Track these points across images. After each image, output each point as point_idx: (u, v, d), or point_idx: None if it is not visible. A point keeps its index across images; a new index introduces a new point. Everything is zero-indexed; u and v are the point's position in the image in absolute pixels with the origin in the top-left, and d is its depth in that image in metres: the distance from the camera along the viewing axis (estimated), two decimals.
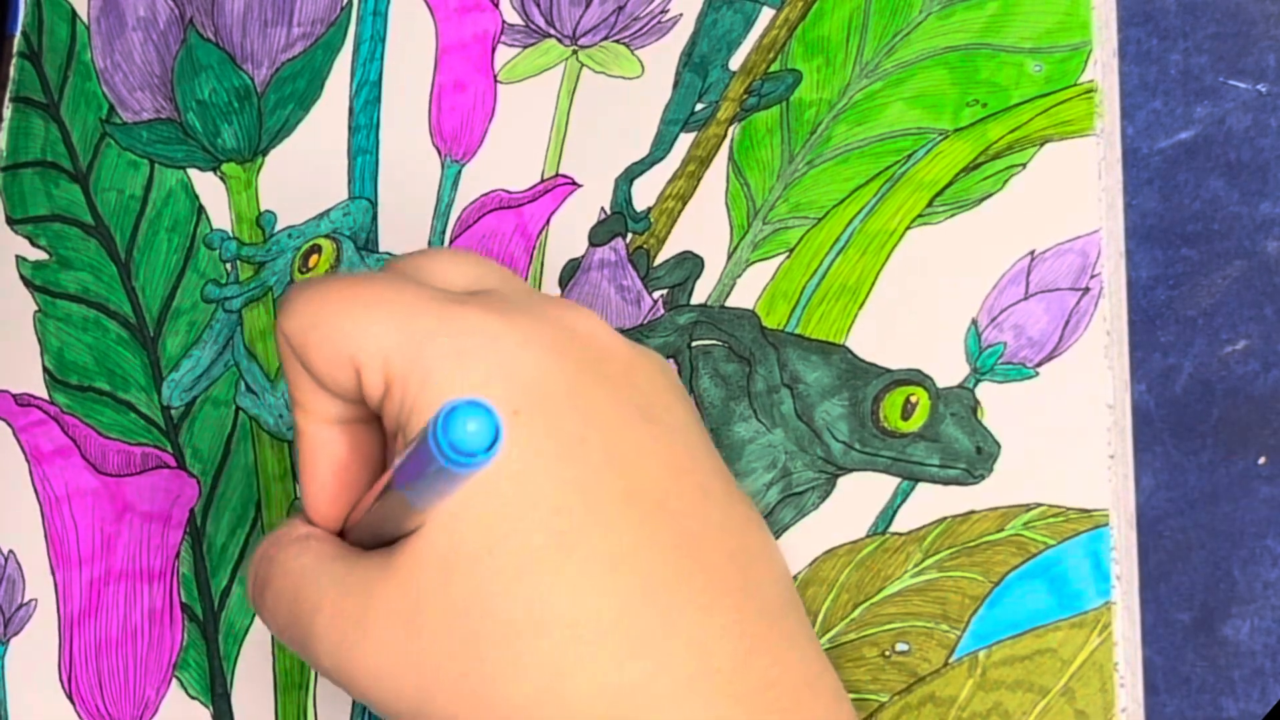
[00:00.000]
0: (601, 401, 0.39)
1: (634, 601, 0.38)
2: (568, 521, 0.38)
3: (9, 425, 0.55)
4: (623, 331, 0.49)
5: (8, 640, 0.53)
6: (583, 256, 0.50)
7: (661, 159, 0.50)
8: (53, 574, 0.53)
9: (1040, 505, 0.44)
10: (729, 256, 0.49)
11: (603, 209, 0.51)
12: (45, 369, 0.55)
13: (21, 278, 0.56)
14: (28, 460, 0.54)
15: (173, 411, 0.54)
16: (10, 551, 0.54)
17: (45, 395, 0.55)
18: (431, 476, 0.33)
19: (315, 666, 0.41)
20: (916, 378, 0.46)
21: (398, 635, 0.39)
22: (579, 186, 0.51)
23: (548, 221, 0.51)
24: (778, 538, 0.46)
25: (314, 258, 0.53)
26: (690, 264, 0.49)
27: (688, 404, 0.43)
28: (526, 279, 0.51)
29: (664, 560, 0.39)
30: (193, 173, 0.55)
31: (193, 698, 0.51)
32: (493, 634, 0.38)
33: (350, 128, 0.54)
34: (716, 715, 0.38)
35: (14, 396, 0.55)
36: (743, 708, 0.38)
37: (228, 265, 0.54)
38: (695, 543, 0.39)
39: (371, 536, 0.40)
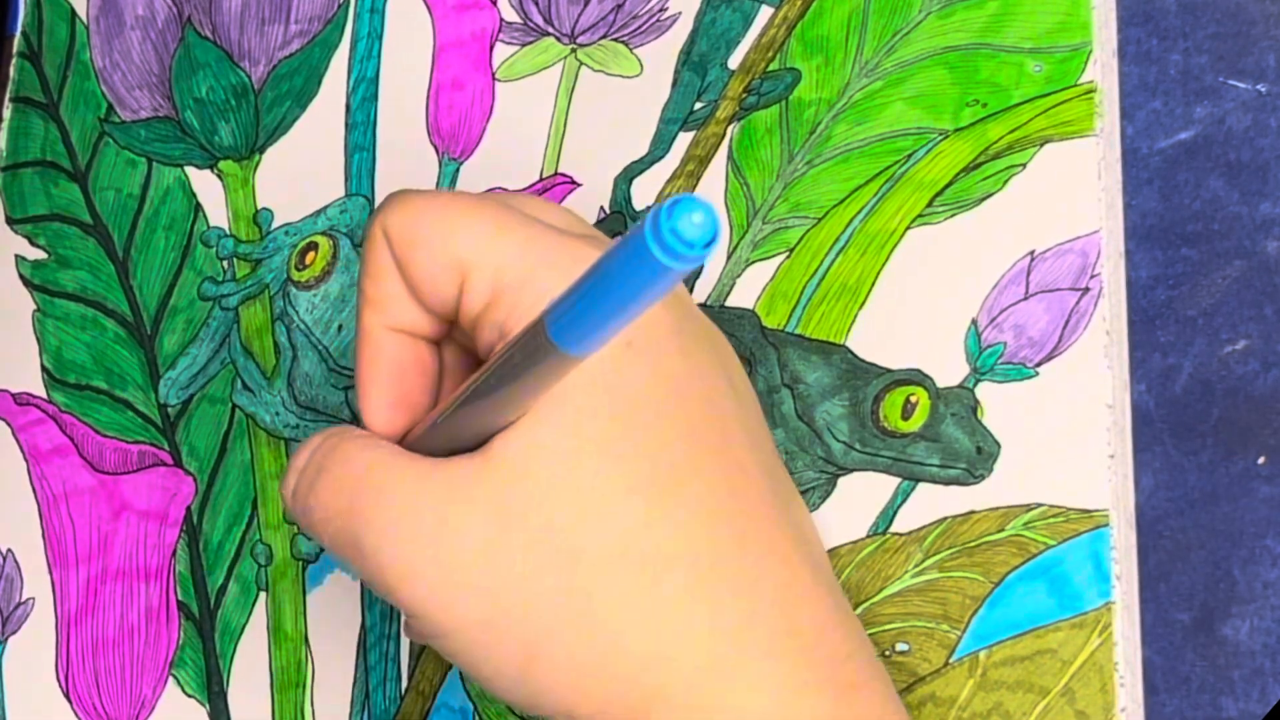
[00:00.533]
0: (699, 354, 0.40)
1: (730, 548, 0.38)
2: (671, 457, 0.38)
3: (8, 424, 0.55)
4: None
5: (5, 639, 0.53)
6: None
7: (661, 158, 0.50)
8: (50, 573, 0.53)
9: (1040, 505, 0.44)
10: (729, 256, 0.49)
11: (602, 208, 0.51)
12: (43, 368, 0.55)
13: (20, 277, 0.56)
14: (26, 459, 0.54)
15: (169, 409, 0.54)
16: (8, 550, 0.54)
17: (44, 394, 0.55)
18: (542, 359, 0.32)
19: (363, 565, 0.39)
20: (917, 378, 0.46)
21: (490, 532, 0.38)
22: (578, 185, 0.51)
23: None
24: None
25: (310, 255, 0.53)
26: None
27: (748, 379, 0.44)
28: None
29: (748, 515, 0.39)
30: (190, 170, 0.55)
31: (189, 696, 0.51)
32: (596, 553, 0.37)
33: (347, 125, 0.54)
34: (801, 680, 0.38)
35: (13, 395, 0.55)
36: (821, 675, 0.39)
37: (224, 263, 0.54)
38: (772, 504, 0.40)
39: (445, 446, 0.39)
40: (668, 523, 0.38)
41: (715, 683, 0.38)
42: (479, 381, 0.37)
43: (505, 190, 0.52)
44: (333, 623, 0.50)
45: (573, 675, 0.38)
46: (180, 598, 0.52)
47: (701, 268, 0.49)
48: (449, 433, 0.39)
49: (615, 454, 0.37)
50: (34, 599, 0.53)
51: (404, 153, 0.53)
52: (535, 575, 0.37)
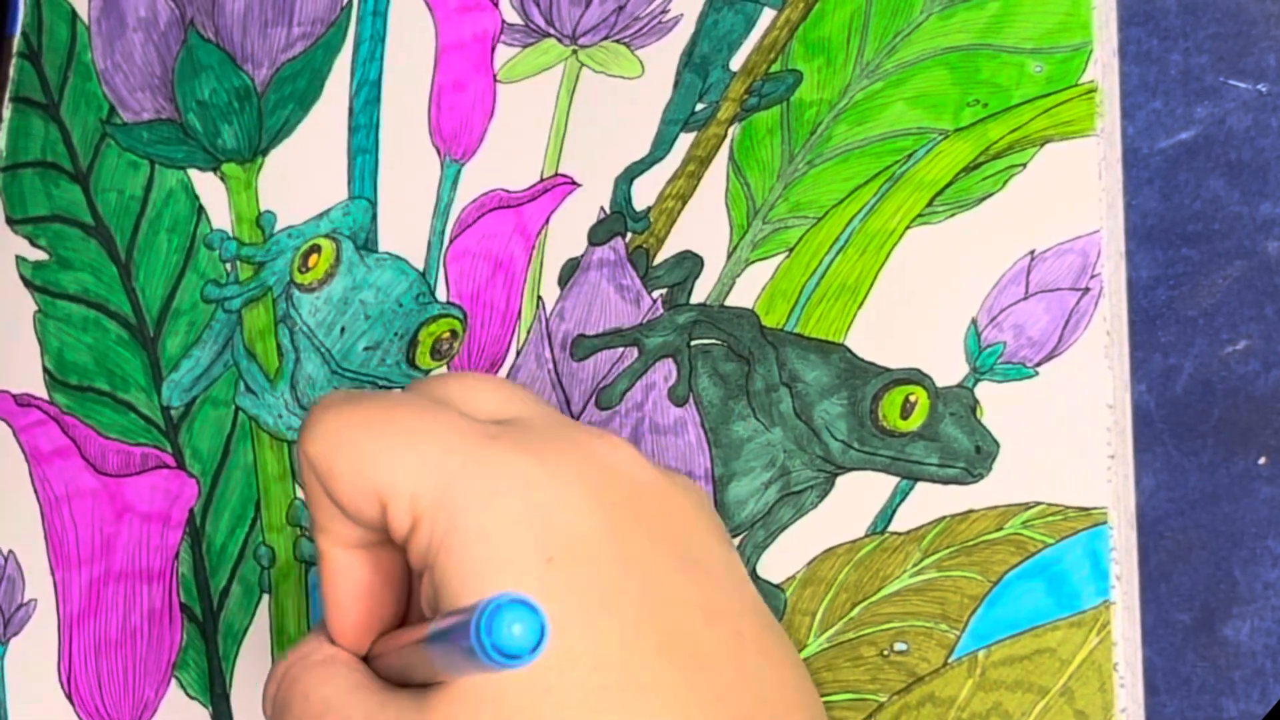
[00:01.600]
0: (638, 546, 0.38)
1: None
2: (604, 678, 0.37)
3: (9, 425, 0.55)
4: (622, 331, 0.49)
5: (7, 640, 0.53)
6: (582, 256, 0.50)
7: (661, 159, 0.50)
8: (52, 574, 0.53)
9: (1040, 504, 0.44)
10: (729, 256, 0.49)
11: (602, 208, 0.51)
12: (45, 369, 0.55)
13: (21, 278, 0.56)
14: (27, 460, 0.54)
15: (172, 412, 0.54)
16: (10, 552, 0.54)
17: (45, 395, 0.55)
18: (469, 663, 0.32)
19: None
20: (916, 377, 0.46)
21: None
22: (578, 186, 0.51)
23: (547, 221, 0.51)
24: (776, 537, 0.46)
25: (313, 257, 0.53)
26: (690, 263, 0.49)
27: (723, 537, 0.42)
28: (526, 278, 0.51)
29: (719, 706, 0.38)
30: (193, 173, 0.55)
31: (192, 698, 0.51)
32: None
33: (350, 127, 0.54)
34: None
35: (14, 397, 0.55)
36: None
37: (227, 265, 0.54)
38: (730, 694, 0.38)
39: (399, 677, 0.39)
40: None
41: None
42: (411, 640, 0.37)
43: (505, 192, 0.52)
44: None
45: None
46: (183, 600, 0.52)
47: (701, 267, 0.49)
48: (399, 667, 0.39)
49: (544, 687, 0.36)
50: (36, 600, 0.53)
51: (406, 155, 0.53)
52: None
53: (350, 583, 0.41)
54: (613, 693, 0.37)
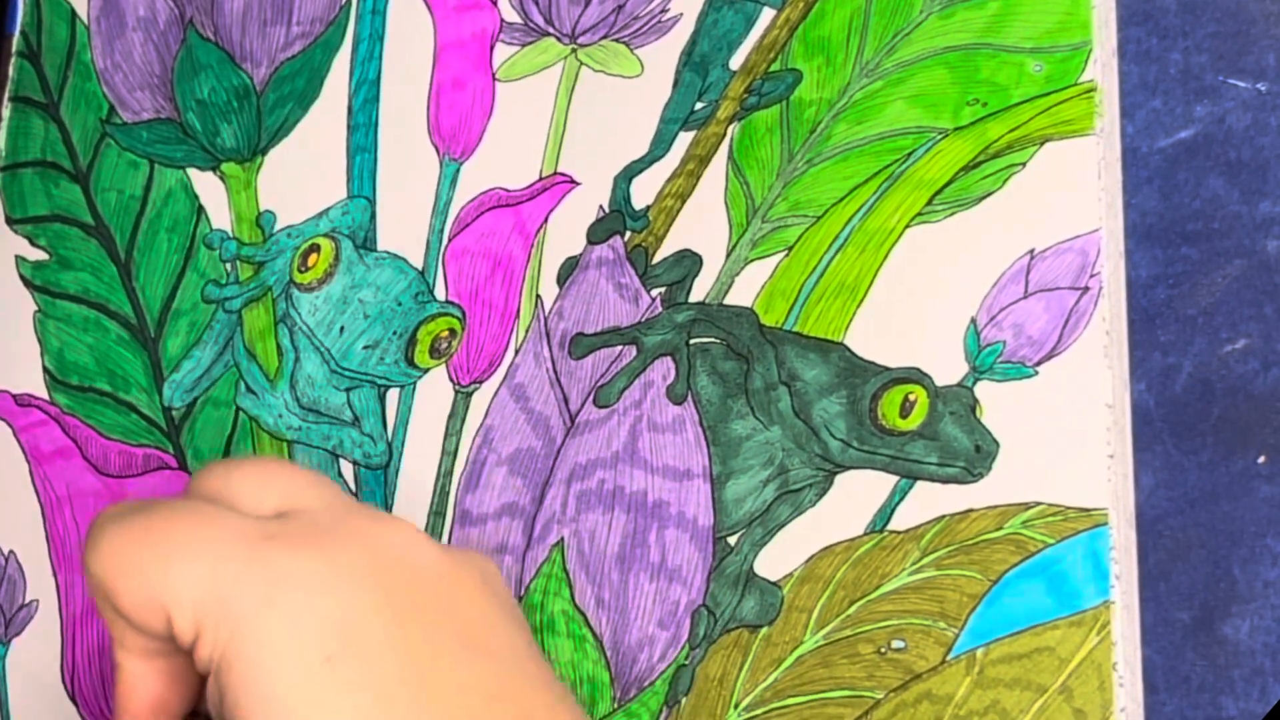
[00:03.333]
0: (418, 634, 0.39)
1: None
2: None
3: (9, 425, 0.55)
4: (621, 330, 0.49)
5: (8, 641, 0.53)
6: (581, 254, 0.50)
7: (661, 157, 0.50)
8: (54, 575, 0.53)
9: (1039, 504, 0.44)
10: (728, 254, 0.49)
11: (601, 207, 0.51)
12: (46, 369, 0.55)
13: (21, 278, 0.56)
14: (28, 461, 0.54)
15: (174, 412, 0.54)
16: (11, 552, 0.54)
17: (46, 396, 0.55)
18: None
19: None
20: (915, 376, 0.46)
21: None
22: (577, 185, 0.51)
23: (546, 219, 0.51)
24: (774, 535, 0.46)
25: (313, 256, 0.53)
26: (689, 262, 0.49)
27: (511, 615, 0.42)
28: (524, 277, 0.51)
29: None
30: (192, 172, 0.55)
31: None
32: None
33: (349, 126, 0.54)
34: None
35: (14, 397, 0.55)
36: None
37: (227, 265, 0.54)
38: None
39: None
40: None
41: None
42: None
43: (504, 191, 0.52)
44: None
45: None
46: None
47: (700, 266, 0.49)
48: None
49: None
50: (38, 601, 0.53)
51: (405, 154, 0.53)
52: None
53: (144, 693, 0.41)
54: None
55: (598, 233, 0.50)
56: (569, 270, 0.50)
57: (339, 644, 0.38)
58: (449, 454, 0.50)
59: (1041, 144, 0.47)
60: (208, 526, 0.39)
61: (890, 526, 0.45)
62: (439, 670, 0.39)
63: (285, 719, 0.37)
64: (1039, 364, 0.45)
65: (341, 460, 0.51)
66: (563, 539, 0.49)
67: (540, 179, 0.51)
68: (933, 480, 0.45)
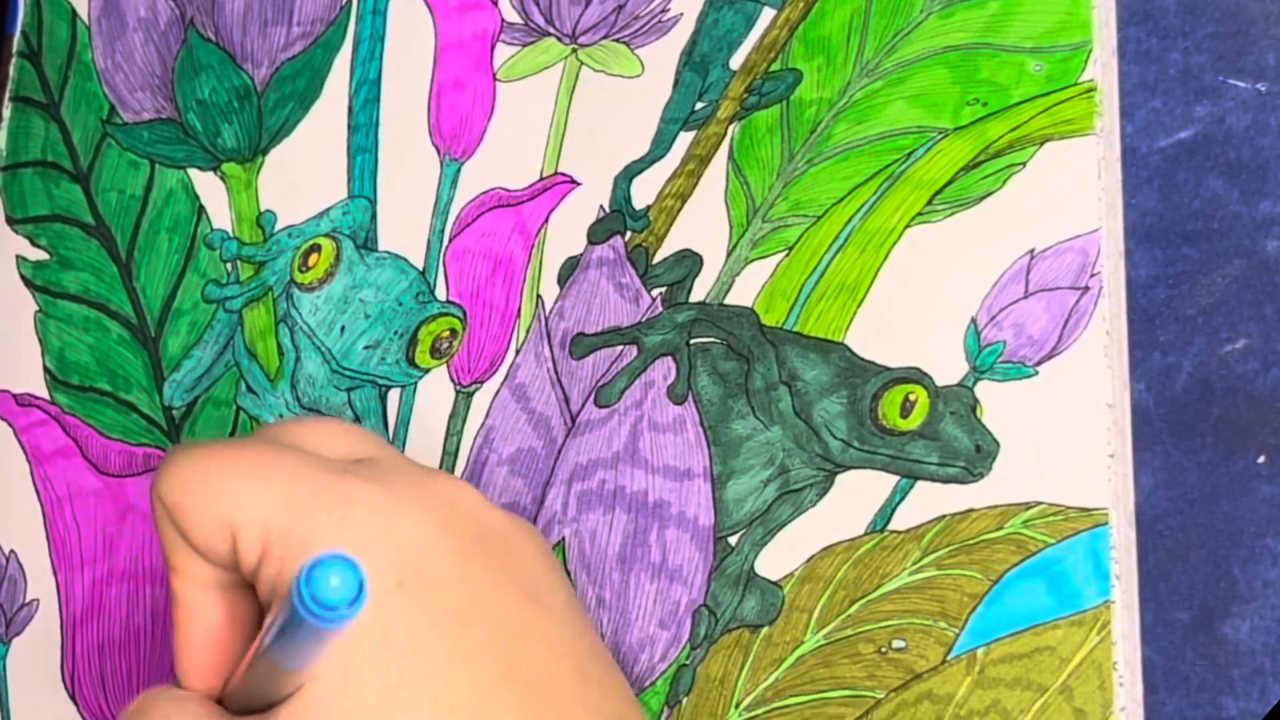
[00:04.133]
0: (485, 579, 0.39)
1: None
2: (452, 699, 0.37)
3: (10, 425, 0.55)
4: (621, 330, 0.49)
5: (9, 640, 0.53)
6: (581, 254, 0.50)
7: (661, 157, 0.50)
8: (55, 574, 0.53)
9: (1040, 504, 0.44)
10: (728, 254, 0.49)
11: (602, 207, 0.51)
12: (46, 369, 0.55)
13: (22, 278, 0.56)
14: (29, 460, 0.54)
15: (174, 412, 0.54)
16: (11, 552, 0.54)
17: (46, 395, 0.55)
18: (296, 635, 0.33)
19: None
20: (915, 376, 0.46)
21: None
22: (578, 185, 0.51)
23: (546, 219, 0.51)
24: (775, 535, 0.46)
25: (314, 257, 0.53)
26: (689, 262, 0.49)
27: (566, 581, 0.42)
28: (525, 277, 0.51)
29: None
30: (193, 173, 0.55)
31: None
32: None
33: (350, 126, 0.54)
34: None
35: (15, 396, 0.55)
36: None
37: (228, 265, 0.54)
38: (584, 714, 0.39)
39: (247, 704, 0.39)
40: None
41: None
42: (254, 652, 0.37)
43: (505, 191, 0.52)
44: None
45: None
46: None
47: (700, 266, 0.49)
48: (245, 695, 0.39)
49: (394, 705, 0.37)
50: (38, 600, 0.53)
51: (406, 154, 0.53)
52: None
53: (203, 624, 0.41)
54: (459, 713, 0.37)
55: (598, 233, 0.50)
56: (570, 270, 0.50)
57: (411, 571, 0.38)
58: (450, 454, 0.50)
59: (1041, 144, 0.47)
60: (280, 455, 0.40)
61: (891, 526, 0.45)
62: (504, 613, 0.39)
63: (352, 640, 0.37)
64: (1039, 364, 0.45)
65: None
66: (564, 539, 0.49)
67: (541, 179, 0.51)
68: (933, 480, 0.45)
